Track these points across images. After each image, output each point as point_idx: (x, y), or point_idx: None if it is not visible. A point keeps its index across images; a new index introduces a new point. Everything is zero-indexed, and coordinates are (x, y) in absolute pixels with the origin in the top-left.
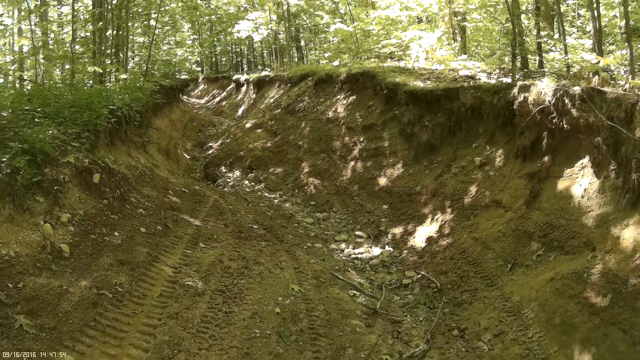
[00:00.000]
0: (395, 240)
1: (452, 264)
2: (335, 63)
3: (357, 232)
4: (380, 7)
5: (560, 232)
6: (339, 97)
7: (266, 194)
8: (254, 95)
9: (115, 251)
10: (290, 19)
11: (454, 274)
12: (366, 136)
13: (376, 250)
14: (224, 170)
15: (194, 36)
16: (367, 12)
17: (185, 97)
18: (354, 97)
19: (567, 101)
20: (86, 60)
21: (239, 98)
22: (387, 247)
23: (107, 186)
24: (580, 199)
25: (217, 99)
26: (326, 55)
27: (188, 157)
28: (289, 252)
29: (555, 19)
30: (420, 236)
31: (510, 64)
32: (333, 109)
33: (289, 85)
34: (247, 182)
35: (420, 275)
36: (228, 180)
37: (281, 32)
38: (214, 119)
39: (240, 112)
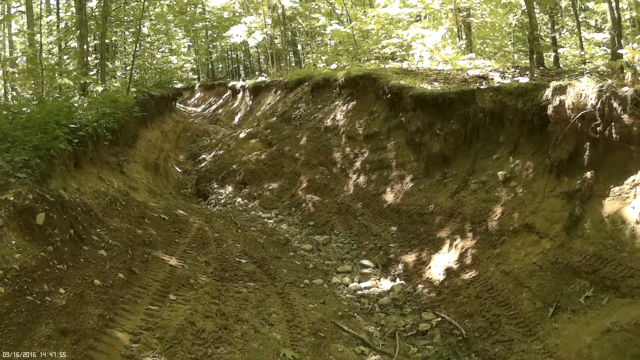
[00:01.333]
0: (407, 271)
1: (478, 305)
2: (333, 66)
3: (363, 261)
4: (379, 5)
5: (612, 268)
6: (337, 103)
7: (260, 213)
8: (250, 102)
9: (57, 316)
10: (286, 22)
11: (481, 317)
12: (369, 146)
13: (386, 284)
14: (216, 186)
15: (189, 43)
16: (364, 12)
17: (182, 105)
18: (354, 102)
19: (615, 105)
20: (55, 73)
21: (235, 105)
22: (398, 280)
23: (56, 227)
24: (635, 226)
25: (214, 107)
26: (323, 58)
27: (180, 170)
28: (282, 295)
29: (556, 13)
30: (437, 266)
31: (524, 61)
32: (331, 117)
33: (286, 90)
34: (239, 199)
35: (440, 319)
36: (220, 197)
37: (277, 37)
38: (209, 128)
39: (236, 120)
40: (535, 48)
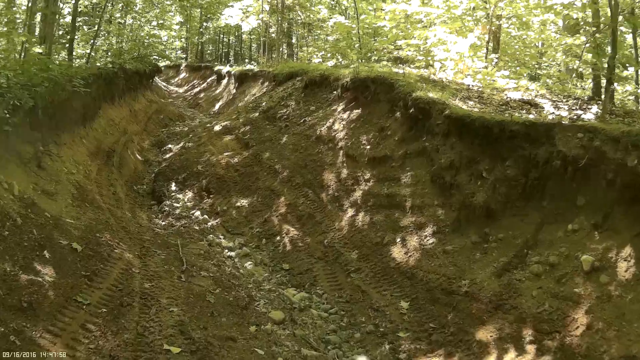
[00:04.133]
0: None
1: None
2: (330, 63)
3: (359, 358)
4: (394, 0)
5: None
6: (336, 107)
7: (221, 239)
8: (234, 91)
9: None
10: (284, 11)
11: None
12: (375, 173)
13: None
14: (174, 189)
15: (181, 20)
16: (374, 7)
17: (165, 83)
18: (359, 111)
19: None
20: None
21: (217, 91)
22: None
23: None
24: None
25: (196, 90)
26: (320, 54)
27: (141, 159)
28: None
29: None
30: None
31: (578, 89)
32: (327, 124)
33: (274, 84)
34: (198, 212)
35: None
36: (175, 204)
37: (273, 26)
38: (186, 112)
39: (217, 107)
40: (613, 77)
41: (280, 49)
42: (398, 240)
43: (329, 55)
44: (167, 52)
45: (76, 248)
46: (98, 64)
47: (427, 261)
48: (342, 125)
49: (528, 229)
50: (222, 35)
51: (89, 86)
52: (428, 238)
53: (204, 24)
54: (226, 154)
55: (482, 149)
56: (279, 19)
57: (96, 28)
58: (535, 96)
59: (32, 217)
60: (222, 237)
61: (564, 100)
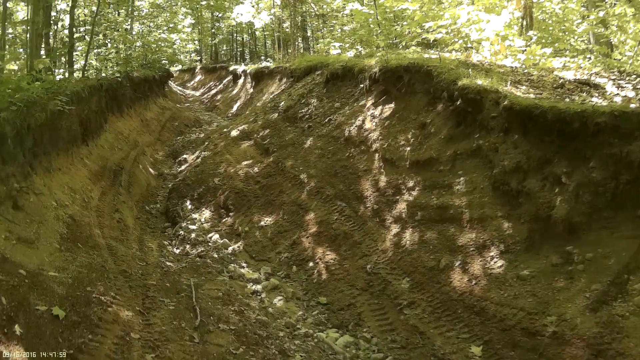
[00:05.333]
0: None
1: None
2: (350, 54)
3: None
4: None
5: None
6: (365, 103)
7: (244, 268)
8: (252, 90)
9: None
10: (296, 4)
11: None
12: (420, 180)
13: None
14: (190, 207)
15: (192, 21)
16: None
17: (180, 88)
18: (392, 105)
19: None
20: None
21: (234, 92)
22: None
23: None
24: None
25: (213, 92)
26: (337, 45)
27: (154, 173)
28: None
29: None
30: None
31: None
32: (357, 123)
33: (292, 80)
34: (217, 236)
35: None
36: (191, 227)
37: (286, 21)
38: (203, 116)
39: (235, 108)
40: None
41: (296, 43)
42: (457, 263)
43: (347, 45)
44: (179, 56)
45: (57, 315)
46: (104, 74)
47: (497, 291)
48: (374, 124)
49: (623, 246)
50: (235, 34)
51: (85, 100)
52: (495, 260)
53: (216, 24)
54: (245, 163)
55: (557, 147)
56: (292, 12)
57: (89, 38)
58: (590, 75)
59: (0, 279)
60: (245, 265)
61: (626, 79)
